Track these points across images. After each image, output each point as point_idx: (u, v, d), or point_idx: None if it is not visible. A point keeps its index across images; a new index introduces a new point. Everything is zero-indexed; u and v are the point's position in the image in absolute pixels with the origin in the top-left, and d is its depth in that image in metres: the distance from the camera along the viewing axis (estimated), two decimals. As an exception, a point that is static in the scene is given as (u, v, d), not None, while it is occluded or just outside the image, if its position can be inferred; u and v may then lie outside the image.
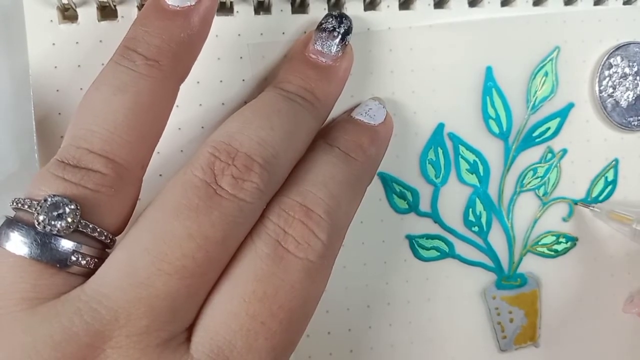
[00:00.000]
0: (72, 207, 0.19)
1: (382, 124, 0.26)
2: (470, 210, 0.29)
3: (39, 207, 0.19)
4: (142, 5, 0.26)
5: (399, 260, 0.29)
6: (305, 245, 0.21)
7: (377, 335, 0.29)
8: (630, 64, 0.30)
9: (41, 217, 0.19)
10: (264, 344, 0.20)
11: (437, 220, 0.29)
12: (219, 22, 0.26)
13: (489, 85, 0.29)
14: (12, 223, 0.19)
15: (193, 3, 0.22)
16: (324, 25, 0.25)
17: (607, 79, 0.30)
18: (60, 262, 0.19)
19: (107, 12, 0.26)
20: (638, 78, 0.30)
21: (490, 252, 0.30)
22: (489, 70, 0.29)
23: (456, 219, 0.29)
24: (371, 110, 0.26)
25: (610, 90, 0.30)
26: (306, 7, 0.27)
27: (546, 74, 0.29)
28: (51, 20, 0.25)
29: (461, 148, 0.29)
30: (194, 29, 0.22)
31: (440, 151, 0.29)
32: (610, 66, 0.29)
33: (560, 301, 0.31)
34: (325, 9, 0.27)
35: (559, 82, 0.29)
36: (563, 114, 0.30)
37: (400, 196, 0.29)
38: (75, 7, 0.25)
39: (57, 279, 0.19)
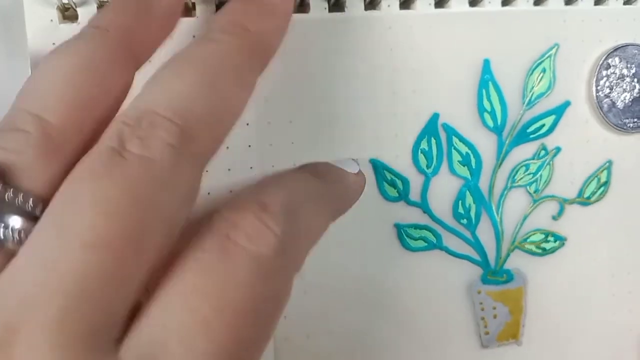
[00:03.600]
0: None
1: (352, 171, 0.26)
2: (460, 202, 0.29)
3: None
4: None
5: (386, 249, 0.29)
6: (258, 239, 0.19)
7: (357, 322, 0.29)
8: (629, 65, 0.30)
9: None
10: (206, 346, 0.17)
11: (427, 210, 0.29)
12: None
13: (486, 78, 0.28)
14: None
15: None
16: None
17: (605, 79, 0.29)
18: None
19: None
20: (635, 80, 0.30)
21: (477, 245, 0.29)
22: (486, 62, 0.28)
23: (445, 211, 0.29)
24: (346, 163, 0.26)
25: (607, 90, 0.30)
26: (306, 7, 0.27)
27: (544, 71, 0.29)
28: (51, 20, 0.25)
29: (454, 139, 0.29)
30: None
31: (433, 141, 0.29)
32: (609, 66, 0.29)
33: (545, 300, 0.30)
34: (325, 8, 0.27)
35: (557, 80, 0.29)
36: (559, 111, 0.29)
37: (391, 184, 0.28)
38: (75, 7, 0.25)
39: None
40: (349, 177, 0.27)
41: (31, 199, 0.18)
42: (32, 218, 0.17)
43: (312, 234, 0.22)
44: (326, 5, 0.27)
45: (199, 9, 0.26)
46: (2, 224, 0.17)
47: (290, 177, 0.22)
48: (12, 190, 0.17)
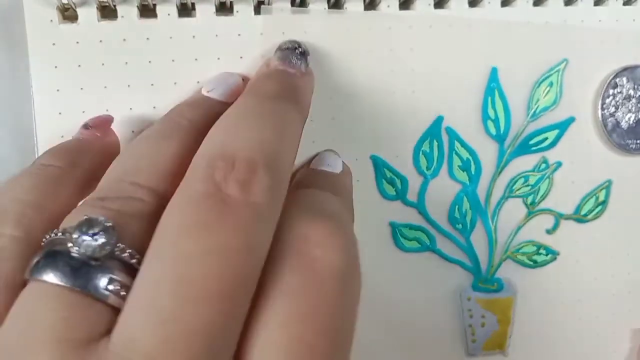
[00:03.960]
0: (109, 224, 0.18)
1: (342, 172, 0.27)
2: (457, 207, 0.29)
3: (72, 229, 0.17)
4: (142, 5, 0.26)
5: (379, 247, 0.29)
6: (332, 246, 0.19)
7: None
8: (636, 86, 0.30)
9: (75, 236, 0.17)
10: None
11: (422, 211, 0.29)
12: (219, 22, 0.27)
13: (492, 86, 0.29)
14: (45, 253, 0.18)
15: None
16: (283, 47, 0.26)
17: (611, 97, 0.30)
18: (96, 290, 0.17)
19: (107, 12, 0.26)
20: (641, 101, 0.30)
21: (470, 251, 0.29)
22: (494, 71, 0.29)
23: (441, 214, 0.29)
24: (330, 161, 0.27)
25: (613, 109, 0.30)
26: (306, 7, 0.27)
27: (551, 84, 0.29)
28: (51, 20, 0.26)
29: (456, 144, 0.29)
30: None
31: (435, 144, 0.29)
32: (616, 85, 0.30)
33: (532, 312, 0.30)
34: (325, 8, 0.27)
35: (563, 94, 0.29)
36: (562, 126, 0.30)
37: (389, 182, 0.29)
38: (75, 7, 0.26)
39: (93, 312, 0.17)
40: (347, 181, 0.27)
41: (137, 255, 0.18)
42: (133, 273, 0.18)
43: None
44: (326, 5, 0.27)
45: (198, 9, 0.27)
46: (109, 279, 0.17)
47: (323, 199, 0.23)
48: (129, 251, 0.18)
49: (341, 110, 0.28)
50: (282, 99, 0.23)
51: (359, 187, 0.28)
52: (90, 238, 0.17)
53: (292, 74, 0.25)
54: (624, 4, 0.30)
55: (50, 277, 0.17)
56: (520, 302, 0.30)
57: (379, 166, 0.28)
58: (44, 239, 0.19)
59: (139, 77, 0.26)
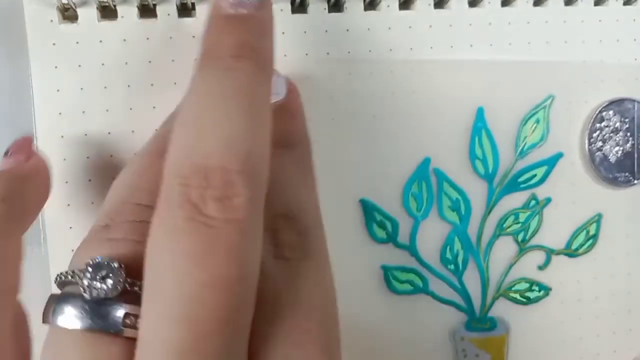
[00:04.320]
0: (115, 265, 0.18)
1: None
2: (448, 247, 0.29)
3: (81, 274, 0.18)
4: (142, 5, 0.26)
5: (372, 291, 0.29)
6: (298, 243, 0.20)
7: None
8: (623, 119, 0.30)
9: (85, 282, 0.17)
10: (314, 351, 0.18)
11: (414, 253, 0.29)
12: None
13: (479, 125, 0.29)
14: (60, 298, 0.18)
15: None
16: None
17: (598, 132, 0.30)
18: (114, 327, 0.17)
19: (107, 12, 0.26)
20: (629, 134, 0.30)
21: (463, 292, 0.29)
22: (480, 111, 0.29)
23: (433, 255, 0.29)
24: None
25: (600, 143, 0.30)
26: (306, 7, 0.28)
27: (537, 121, 0.29)
28: (51, 20, 0.26)
29: (445, 185, 0.29)
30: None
31: (424, 185, 0.29)
32: (602, 119, 0.30)
33: (526, 350, 0.30)
34: (325, 8, 0.27)
35: (550, 130, 0.29)
36: (550, 162, 0.30)
37: (380, 225, 0.28)
38: (75, 7, 0.26)
39: (114, 348, 0.17)
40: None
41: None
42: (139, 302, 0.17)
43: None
44: (325, 5, 0.27)
45: (198, 9, 0.26)
46: (124, 314, 0.17)
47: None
48: (138, 284, 0.18)
49: (340, 111, 0.28)
50: (240, 59, 0.19)
51: (349, 231, 0.28)
52: (99, 282, 0.17)
53: (244, 15, 0.21)
54: (624, 4, 0.30)
55: (69, 322, 0.17)
56: (515, 339, 0.30)
57: (369, 209, 0.28)
58: (56, 279, 0.19)
59: (139, 77, 0.26)
